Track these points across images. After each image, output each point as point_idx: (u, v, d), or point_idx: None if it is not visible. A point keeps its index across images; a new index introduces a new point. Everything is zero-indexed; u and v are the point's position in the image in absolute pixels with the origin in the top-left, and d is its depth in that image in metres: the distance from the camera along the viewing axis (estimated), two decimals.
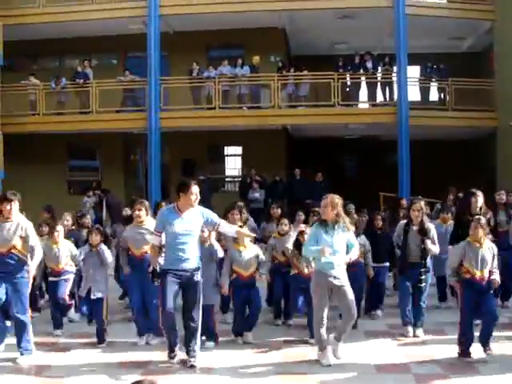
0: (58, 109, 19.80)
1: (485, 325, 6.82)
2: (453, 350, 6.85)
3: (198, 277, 6.62)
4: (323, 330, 6.66)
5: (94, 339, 7.60)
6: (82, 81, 19.28)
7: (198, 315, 6.65)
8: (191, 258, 6.59)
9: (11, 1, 19.18)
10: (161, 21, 18.94)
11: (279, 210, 10.03)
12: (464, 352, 6.73)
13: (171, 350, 6.71)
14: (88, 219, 10.21)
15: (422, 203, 7.98)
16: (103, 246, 7.78)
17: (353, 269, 7.38)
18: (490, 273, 6.74)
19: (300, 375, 6.37)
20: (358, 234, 8.13)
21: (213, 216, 6.77)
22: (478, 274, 6.69)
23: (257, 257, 7.67)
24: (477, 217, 7.01)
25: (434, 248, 7.79)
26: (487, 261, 6.72)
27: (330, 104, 18.87)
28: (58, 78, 19.45)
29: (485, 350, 6.79)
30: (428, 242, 7.69)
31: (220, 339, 7.48)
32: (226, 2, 18.68)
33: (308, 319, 7.55)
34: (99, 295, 7.63)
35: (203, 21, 18.96)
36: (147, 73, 18.90)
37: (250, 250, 7.66)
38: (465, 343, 6.73)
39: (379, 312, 8.86)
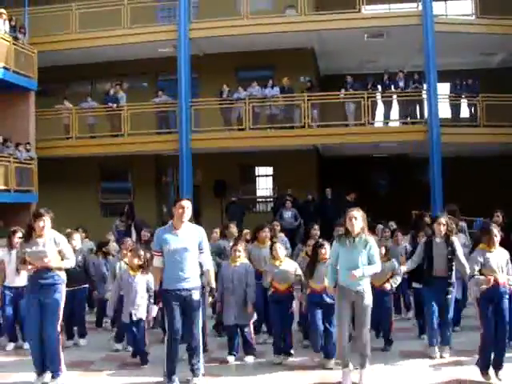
0: (89, 132, 20.14)
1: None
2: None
3: (197, 295, 6.51)
4: (344, 345, 6.56)
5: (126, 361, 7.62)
6: (115, 105, 19.60)
7: (198, 333, 6.57)
8: (191, 277, 6.47)
9: (44, 28, 19.60)
10: (191, 44, 19.18)
11: (318, 232, 9.76)
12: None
13: (170, 378, 6.50)
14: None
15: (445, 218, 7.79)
16: (150, 277, 7.75)
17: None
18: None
19: None
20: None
21: (204, 245, 6.66)
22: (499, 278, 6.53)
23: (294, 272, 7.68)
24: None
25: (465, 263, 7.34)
26: (502, 266, 6.62)
27: (361, 123, 18.85)
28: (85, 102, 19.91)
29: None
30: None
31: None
32: (254, 24, 18.86)
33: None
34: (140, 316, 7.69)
35: (232, 43, 19.17)
36: (178, 95, 19.15)
37: (287, 264, 7.69)
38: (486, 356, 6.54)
39: None
